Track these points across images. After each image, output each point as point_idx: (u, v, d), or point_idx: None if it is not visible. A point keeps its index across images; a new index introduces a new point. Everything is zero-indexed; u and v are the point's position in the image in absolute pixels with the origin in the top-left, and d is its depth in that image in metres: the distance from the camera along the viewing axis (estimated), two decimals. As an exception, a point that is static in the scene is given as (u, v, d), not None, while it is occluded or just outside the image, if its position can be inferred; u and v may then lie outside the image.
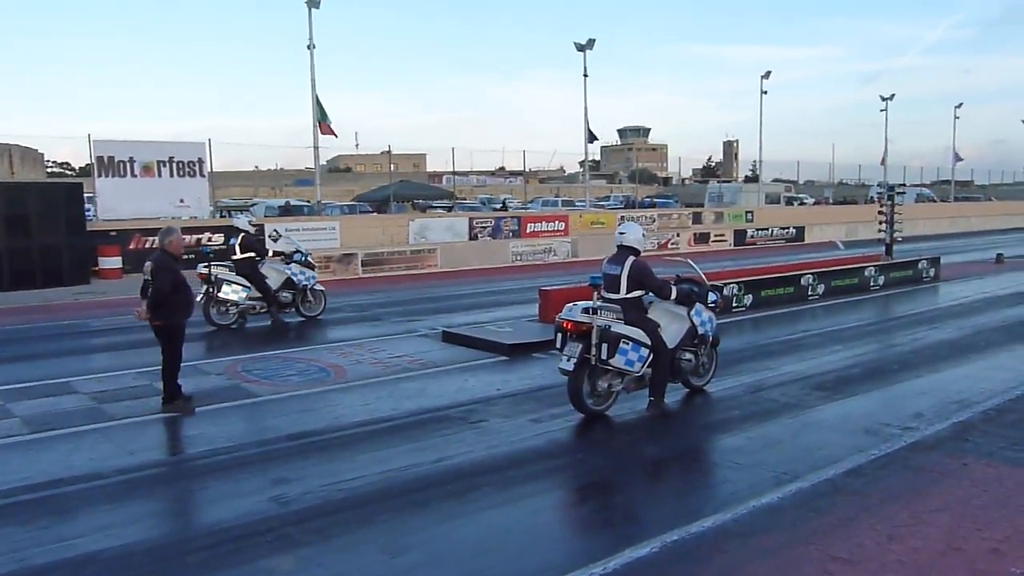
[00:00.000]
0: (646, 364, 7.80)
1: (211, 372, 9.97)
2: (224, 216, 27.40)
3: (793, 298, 15.57)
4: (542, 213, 33.54)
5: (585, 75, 32.43)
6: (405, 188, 36.77)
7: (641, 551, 4.83)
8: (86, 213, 22.37)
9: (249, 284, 13.27)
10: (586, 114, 32.55)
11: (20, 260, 18.69)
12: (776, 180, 59.23)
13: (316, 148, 26.61)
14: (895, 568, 4.65)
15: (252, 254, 13.47)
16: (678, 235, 31.35)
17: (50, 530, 5.29)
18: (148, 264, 8.07)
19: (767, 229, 34.78)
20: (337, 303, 14.82)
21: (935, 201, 52.27)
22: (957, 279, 19.44)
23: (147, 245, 21.62)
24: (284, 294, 13.89)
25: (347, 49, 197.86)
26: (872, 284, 17.47)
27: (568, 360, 7.56)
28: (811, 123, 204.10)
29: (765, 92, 40.03)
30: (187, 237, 22.26)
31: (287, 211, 31.03)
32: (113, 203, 21.83)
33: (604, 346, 7.45)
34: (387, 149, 33.51)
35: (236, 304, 13.25)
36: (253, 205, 31.02)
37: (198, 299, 13.12)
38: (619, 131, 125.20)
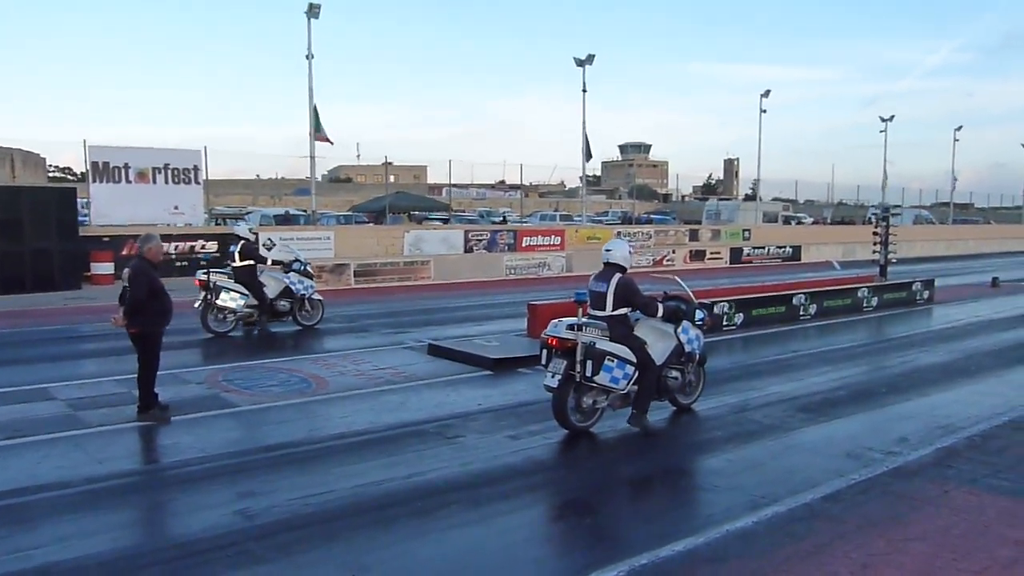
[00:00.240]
0: (631, 382, 7.73)
1: (191, 381, 9.87)
2: (219, 224, 27.37)
3: (785, 318, 15.48)
4: (538, 227, 33.54)
5: (584, 90, 32.57)
6: (401, 199, 36.77)
7: (608, 575, 4.72)
8: (81, 218, 22.35)
9: (247, 292, 13.21)
10: (584, 129, 32.69)
11: (11, 264, 18.63)
12: (776, 199, 59.27)
13: (312, 158, 26.67)
14: (867, 598, 4.54)
15: (251, 262, 13.42)
16: (673, 252, 31.31)
17: (8, 540, 5.17)
18: (126, 271, 8.00)
19: (763, 248, 34.75)
20: (327, 313, 14.72)
21: (933, 223, 52.27)
22: (951, 302, 19.36)
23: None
24: (282, 303, 13.84)
25: (350, 60, 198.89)
26: (865, 305, 17.38)
27: (553, 376, 7.49)
28: (812, 143, 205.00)
29: (764, 111, 40.18)
30: (180, 244, 22.34)
31: (287, 220, 31.01)
32: (107, 209, 21.80)
33: (589, 363, 7.38)
34: (381, 160, 33.50)
35: (234, 312, 13.20)
36: (248, 213, 30.95)
37: (196, 305, 13.14)
38: (620, 147, 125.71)
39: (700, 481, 6.76)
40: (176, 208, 22.99)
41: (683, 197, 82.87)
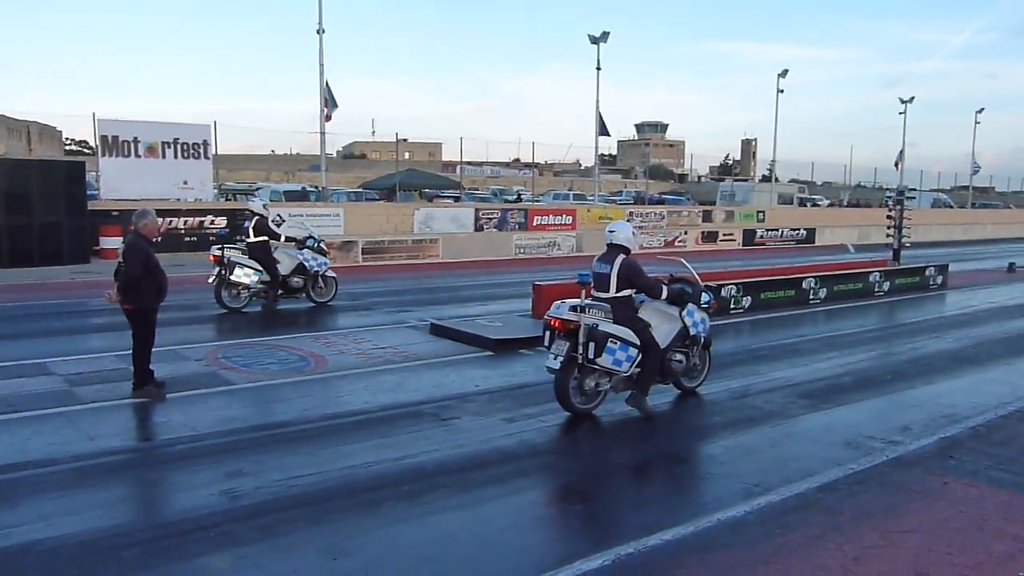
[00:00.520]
0: (634, 364, 7.64)
1: (191, 358, 9.84)
2: (229, 199, 27.35)
3: (794, 301, 15.28)
4: (549, 207, 33.31)
5: (598, 68, 32.22)
6: (412, 177, 36.57)
7: (592, 564, 4.63)
8: (92, 192, 22.39)
9: (261, 268, 13.20)
10: (598, 107, 32.35)
11: (20, 238, 18.71)
12: (793, 180, 58.70)
13: (323, 134, 26.52)
14: (856, 593, 4.43)
15: (265, 238, 13.39)
16: (685, 233, 31.03)
17: (-9, 517, 5.15)
18: (121, 246, 7.94)
19: (777, 230, 34.39)
20: (333, 291, 14.67)
21: (951, 207, 51.58)
22: (965, 287, 19.07)
23: (149, 226, 21.62)
24: (296, 279, 13.84)
25: (366, 35, 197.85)
26: (877, 290, 17.14)
27: (555, 358, 7.41)
28: (832, 124, 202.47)
29: (782, 91, 39.71)
30: (189, 219, 22.35)
31: (301, 196, 30.92)
32: (117, 183, 21.80)
33: (591, 345, 7.29)
34: (400, 137, 33.26)
35: (248, 287, 13.21)
36: (258, 189, 30.89)
37: (210, 281, 13.16)
38: (636, 126, 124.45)
39: (695, 468, 6.65)
40: (185, 183, 22.97)
41: (699, 178, 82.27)
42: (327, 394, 8.45)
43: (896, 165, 46.60)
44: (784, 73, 39.68)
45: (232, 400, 8.11)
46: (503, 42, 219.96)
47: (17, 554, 4.68)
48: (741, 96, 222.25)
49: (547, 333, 7.58)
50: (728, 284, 14.37)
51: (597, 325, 7.35)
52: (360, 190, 36.42)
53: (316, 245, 14.23)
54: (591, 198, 38.55)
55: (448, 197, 36.94)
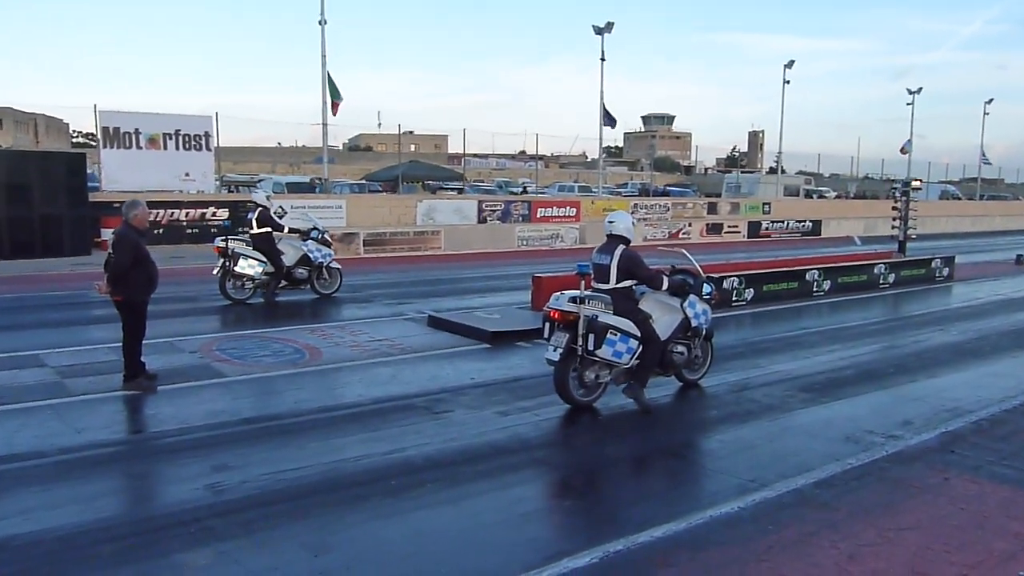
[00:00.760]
0: (635, 356, 7.54)
1: (185, 349, 9.75)
2: (231, 191, 27.29)
3: (797, 294, 15.12)
4: (553, 199, 33.14)
5: (603, 59, 31.94)
6: (415, 169, 36.43)
7: (579, 562, 4.52)
8: (93, 184, 22.31)
9: (266, 259, 13.13)
10: (602, 98, 32.09)
11: (21, 229, 18.68)
12: (801, 172, 58.35)
13: (325, 125, 26.38)
14: (850, 592, 4.31)
15: (268, 229, 13.31)
16: (690, 225, 30.83)
17: (-29, 511, 5.06)
18: (111, 237, 7.84)
19: (783, 222, 34.15)
20: (335, 283, 14.58)
21: (959, 199, 51.18)
22: (972, 279, 18.86)
23: (150, 218, 21.54)
24: (300, 271, 13.79)
25: (374, 28, 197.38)
26: (882, 282, 16.96)
27: (555, 350, 7.30)
28: (841, 116, 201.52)
29: (788, 81, 39.28)
30: (191, 211, 22.28)
31: (305, 188, 30.79)
32: (118, 175, 21.72)
33: (591, 337, 7.19)
34: (405, 130, 33.18)
35: (252, 279, 13.16)
36: (260, 181, 30.80)
37: (215, 272, 13.11)
38: (643, 118, 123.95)
39: (690, 463, 6.52)
40: (187, 175, 22.90)
41: (706, 170, 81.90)
42: (320, 387, 8.35)
43: (902, 151, 46.09)
44: (791, 64, 39.30)
45: (224, 393, 8.01)
46: (510, 34, 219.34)
47: (-7, 549, 4.59)
48: (749, 88, 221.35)
49: (546, 325, 7.48)
50: (731, 276, 14.22)
51: (597, 316, 7.25)
52: (363, 182, 36.28)
53: (320, 236, 14.20)
54: (596, 190, 38.35)
55: (452, 189, 36.77)
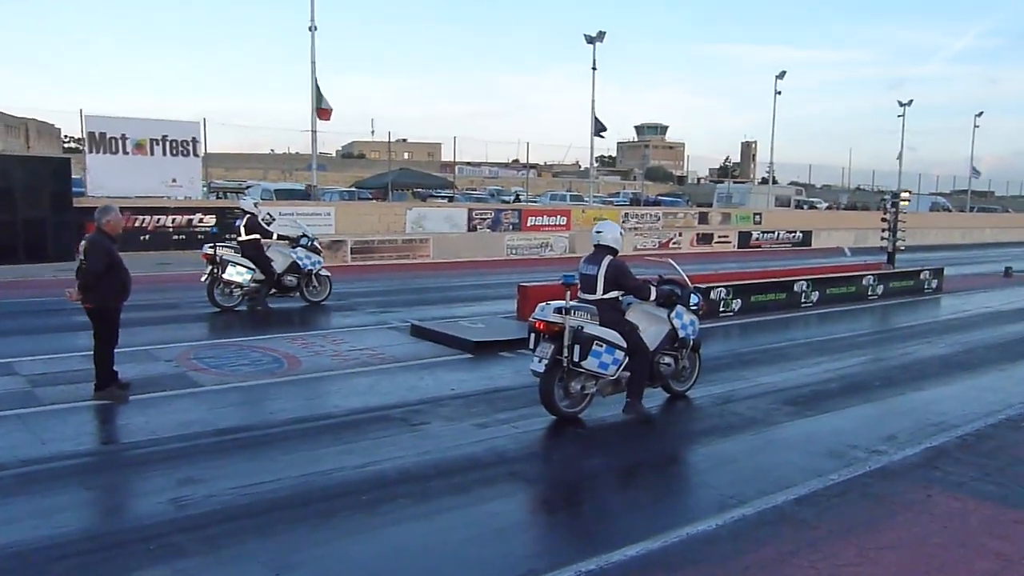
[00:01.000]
0: (621, 367, 7.45)
1: (161, 358, 9.59)
2: (219, 198, 27.10)
3: (785, 304, 15.03)
4: (544, 207, 33.07)
5: (594, 68, 31.96)
6: (405, 176, 36.34)
7: (551, 581, 4.38)
8: (79, 189, 22.11)
9: (254, 266, 12.99)
10: (593, 107, 32.06)
11: (4, 234, 18.47)
12: (793, 183, 58.49)
13: (314, 132, 26.24)
14: (827, 615, 4.18)
15: (257, 236, 13.18)
16: (680, 235, 30.78)
17: (-77, 526, 4.89)
18: (83, 243, 7.69)
19: (773, 232, 34.14)
20: (320, 290, 14.43)
21: (950, 211, 51.35)
22: (961, 291, 18.83)
23: (137, 224, 21.41)
24: (289, 278, 13.66)
25: (368, 36, 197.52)
26: (870, 293, 16.90)
27: (540, 361, 7.21)
28: (834, 127, 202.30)
29: (779, 92, 39.47)
30: (178, 218, 22.09)
31: (304, 195, 30.58)
32: (104, 180, 21.50)
33: (576, 348, 7.10)
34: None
35: (240, 286, 13.00)
36: (248, 187, 30.63)
37: (202, 279, 12.96)
38: (636, 128, 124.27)
39: (668, 478, 6.40)
40: (174, 181, 22.68)
41: (699, 180, 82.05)
42: (296, 397, 8.19)
43: (897, 158, 46.12)
44: (782, 75, 39.45)
45: (197, 403, 7.84)
46: (505, 43, 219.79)
47: (-57, 566, 4.43)
48: (743, 99, 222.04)
49: (532, 335, 7.38)
50: (718, 286, 14.12)
51: (583, 327, 7.16)
52: (353, 189, 36.13)
53: (310, 244, 14.09)
54: (587, 199, 38.30)
55: (442, 197, 36.66)
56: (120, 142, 21.73)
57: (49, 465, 6.02)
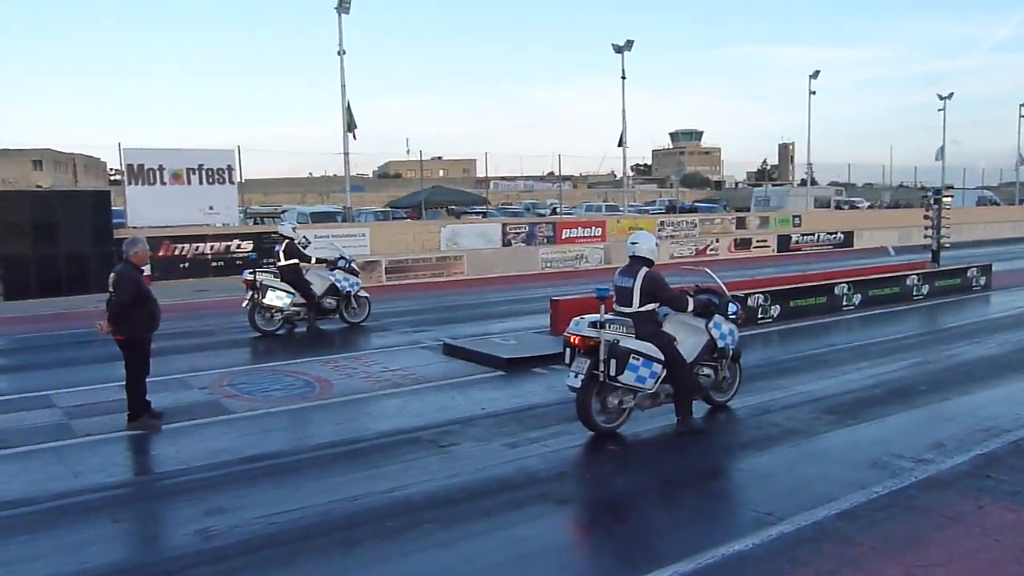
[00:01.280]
0: (659, 381, 7.31)
1: (195, 386, 9.65)
2: (256, 223, 27.45)
3: (825, 309, 14.65)
4: (578, 219, 32.87)
5: (623, 77, 31.87)
6: (437, 194, 36.45)
7: (577, 609, 4.23)
8: (119, 220, 22.58)
9: (294, 291, 13.10)
10: (624, 116, 31.99)
11: (47, 268, 18.86)
12: (833, 183, 57.54)
13: (346, 154, 26.45)
14: (870, 639, 3.96)
15: (296, 260, 13.30)
16: (717, 241, 30.33)
17: (-47, 564, 4.93)
18: (111, 275, 7.77)
19: (813, 234, 33.48)
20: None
21: (997, 204, 49.92)
22: (1011, 288, 18.18)
23: (176, 252, 21.81)
24: (328, 300, 13.78)
25: (401, 55, 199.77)
26: (915, 293, 16.39)
27: (576, 376, 7.10)
28: (875, 125, 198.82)
29: (814, 92, 38.84)
30: (216, 244, 22.42)
31: (345, 218, 30.86)
32: (143, 210, 21.90)
33: (612, 362, 6.97)
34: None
35: (280, 310, 13.13)
36: (284, 212, 31.00)
37: (244, 305, 13.12)
38: (671, 134, 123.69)
39: (702, 496, 6.19)
40: (211, 208, 23.02)
41: (736, 184, 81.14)
42: (326, 421, 8.16)
43: (936, 157, 44.97)
44: (815, 75, 38.83)
45: (228, 430, 7.85)
46: (538, 56, 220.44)
47: (-29, 605, 4.44)
48: (778, 101, 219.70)
49: (567, 350, 7.27)
50: (756, 293, 13.82)
51: (618, 341, 7.03)
52: (387, 209, 36.37)
53: (347, 265, 14.20)
54: (623, 209, 38.05)
55: (476, 213, 36.70)
56: (158, 173, 22.11)
57: (80, 498, 6.05)
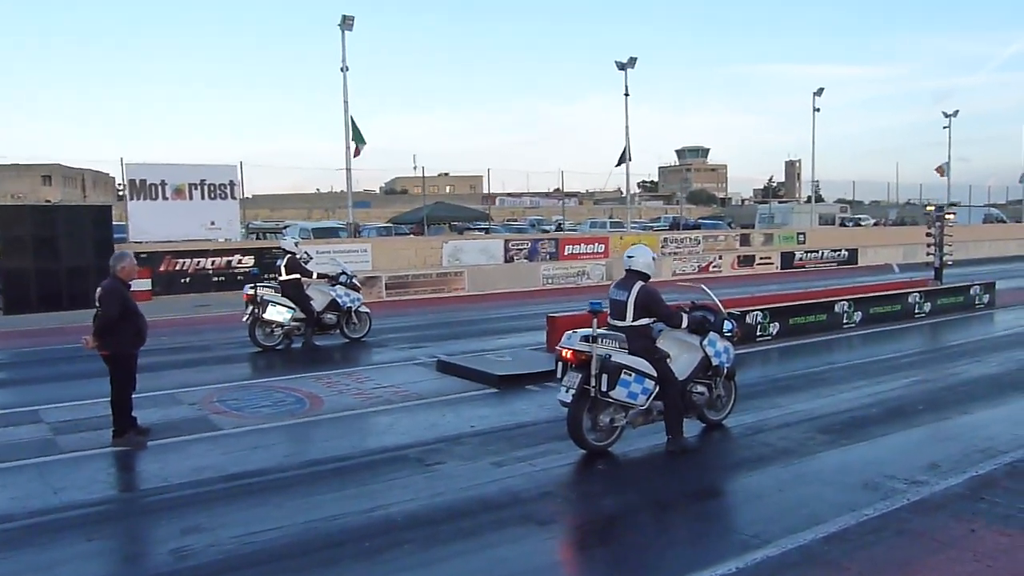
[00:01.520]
0: (651, 397, 7.20)
1: (185, 401, 9.58)
2: (258, 238, 27.49)
3: (825, 326, 14.51)
4: (581, 235, 32.83)
5: (627, 94, 31.84)
6: (439, 209, 36.49)
7: (552, 635, 4.12)
8: (118, 234, 22.63)
9: (294, 305, 13.07)
10: (627, 133, 31.91)
11: (48, 282, 18.90)
12: (839, 200, 57.38)
13: (348, 170, 26.51)
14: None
15: (297, 276, 13.28)
16: (720, 258, 30.21)
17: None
18: (98, 290, 7.72)
19: (817, 251, 33.34)
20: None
21: (1004, 221, 49.70)
22: (1015, 306, 17.99)
23: (177, 267, 21.83)
24: (329, 316, 13.75)
25: (407, 72, 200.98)
26: (917, 311, 16.24)
27: (567, 391, 7.00)
28: (882, 142, 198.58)
29: (818, 109, 38.78)
30: (217, 259, 22.43)
31: (350, 233, 30.87)
32: (145, 225, 21.95)
33: (604, 377, 6.87)
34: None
35: (281, 325, 13.09)
36: (287, 227, 31.04)
37: (244, 320, 13.08)
38: (677, 151, 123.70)
39: (688, 517, 6.06)
40: (212, 223, 23.06)
41: (743, 201, 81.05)
42: (313, 439, 8.08)
43: (939, 172, 44.66)
44: (820, 92, 38.76)
45: (213, 447, 7.76)
46: (546, 72, 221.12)
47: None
48: (785, 118, 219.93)
49: (559, 365, 7.18)
50: (754, 310, 13.70)
51: (610, 356, 6.93)
52: (390, 225, 36.41)
53: (349, 281, 14.16)
54: (626, 226, 37.99)
55: (479, 229, 36.70)
56: (160, 188, 22.18)
57: (59, 516, 5.97)
